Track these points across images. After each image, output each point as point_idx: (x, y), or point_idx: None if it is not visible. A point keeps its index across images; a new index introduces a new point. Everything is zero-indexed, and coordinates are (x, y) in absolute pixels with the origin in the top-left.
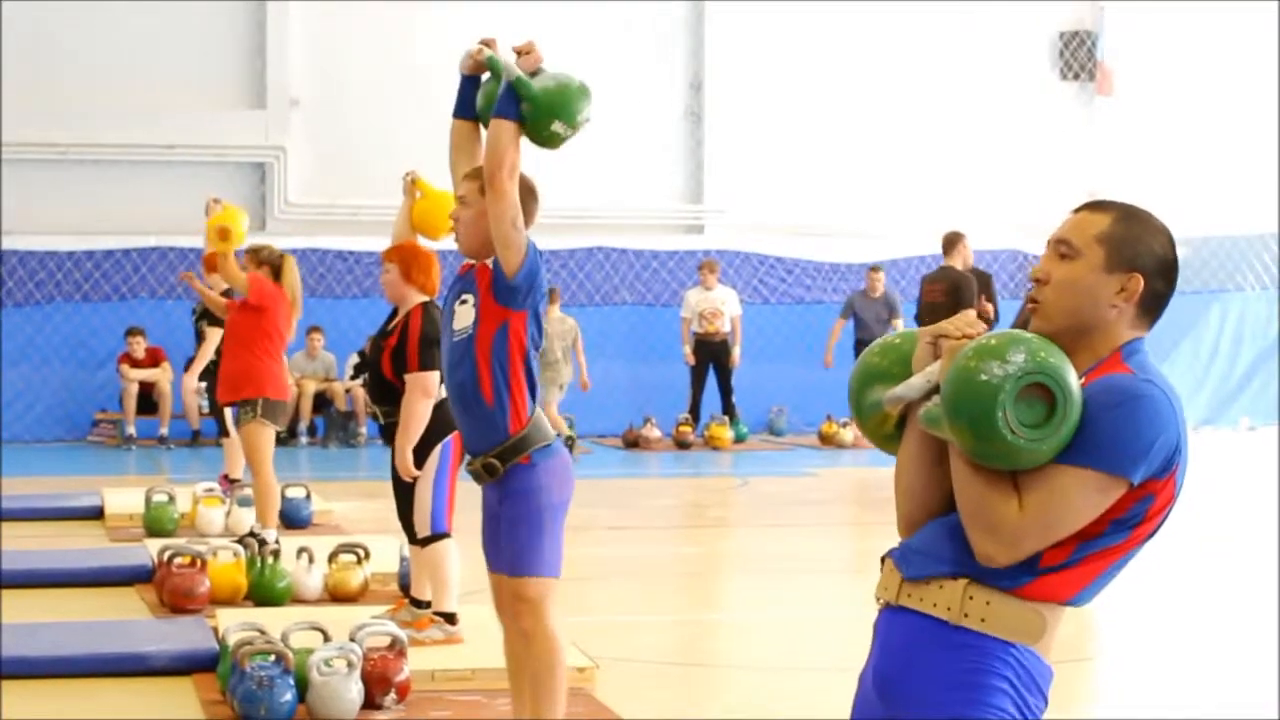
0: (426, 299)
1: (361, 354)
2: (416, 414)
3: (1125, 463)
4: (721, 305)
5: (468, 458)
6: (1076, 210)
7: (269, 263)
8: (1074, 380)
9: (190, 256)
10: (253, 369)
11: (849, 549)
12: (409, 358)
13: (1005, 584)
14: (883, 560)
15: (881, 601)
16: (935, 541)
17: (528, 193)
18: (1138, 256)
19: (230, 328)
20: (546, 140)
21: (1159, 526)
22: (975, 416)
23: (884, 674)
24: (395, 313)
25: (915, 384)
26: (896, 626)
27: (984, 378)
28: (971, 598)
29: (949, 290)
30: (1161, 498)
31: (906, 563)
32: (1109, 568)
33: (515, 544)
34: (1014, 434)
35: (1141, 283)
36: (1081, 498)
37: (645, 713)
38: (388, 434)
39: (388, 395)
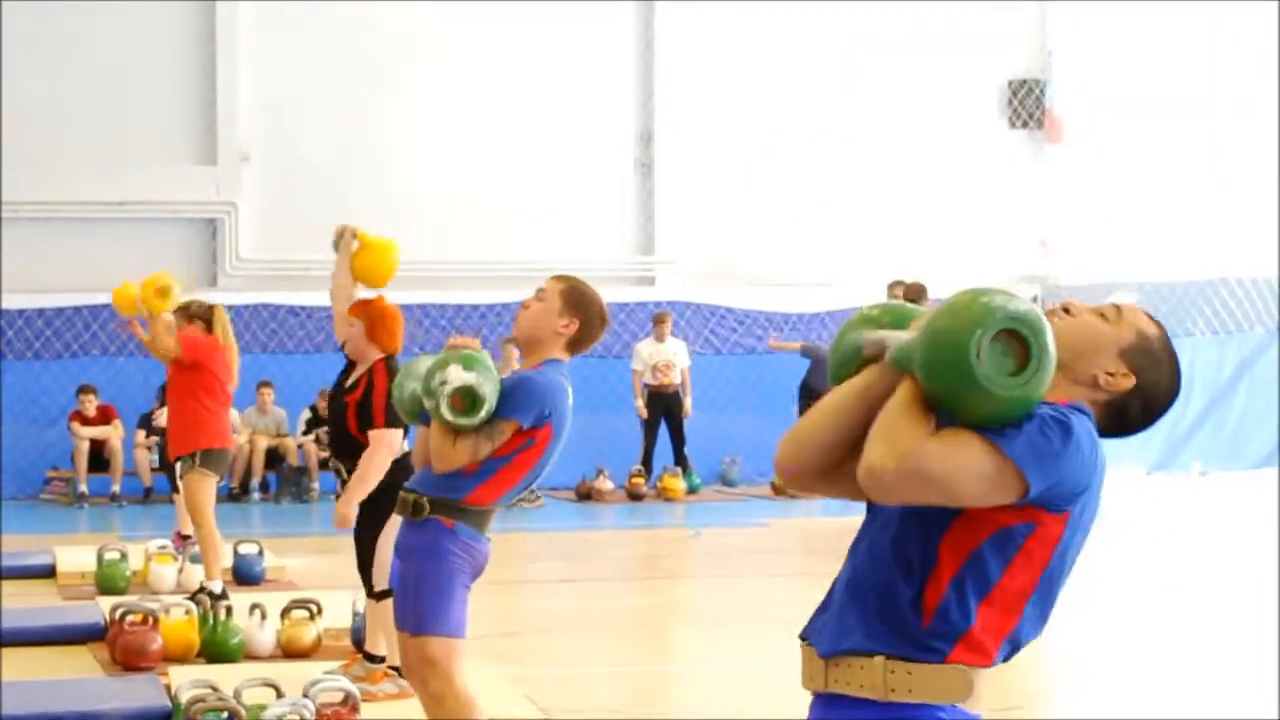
0: (387, 355)
1: (314, 409)
2: (375, 467)
3: (1032, 466)
4: (673, 357)
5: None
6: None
7: (200, 317)
8: (1050, 341)
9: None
10: (192, 422)
11: (802, 599)
12: (375, 414)
13: (923, 657)
14: (801, 651)
15: (810, 689)
16: (842, 613)
17: (599, 317)
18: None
19: (170, 384)
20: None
21: (1054, 576)
22: (948, 345)
23: None
24: (351, 366)
25: (899, 335)
26: (829, 712)
27: (965, 314)
28: (892, 672)
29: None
30: (1044, 532)
31: (819, 638)
32: (1015, 627)
33: (421, 602)
34: (980, 363)
35: (1119, 385)
36: (979, 466)
37: None
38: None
39: (352, 450)
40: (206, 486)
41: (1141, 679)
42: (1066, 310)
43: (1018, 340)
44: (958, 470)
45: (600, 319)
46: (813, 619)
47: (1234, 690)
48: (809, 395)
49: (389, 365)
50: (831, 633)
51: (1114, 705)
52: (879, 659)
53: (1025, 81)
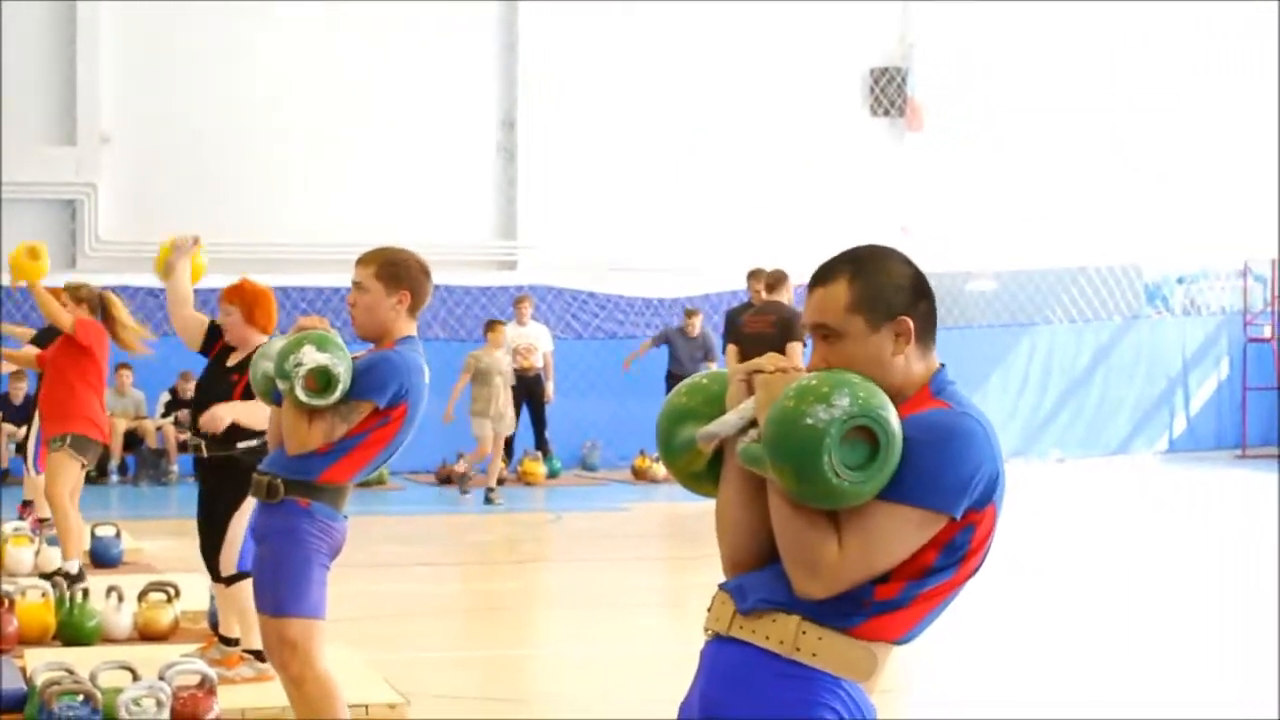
0: (267, 338)
1: (173, 391)
2: (257, 411)
3: (946, 499)
4: (535, 340)
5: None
6: (810, 287)
7: (88, 301)
8: (896, 422)
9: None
10: (69, 406)
11: (662, 584)
12: None
13: (838, 623)
14: (716, 592)
15: (710, 633)
16: (771, 580)
17: (422, 273)
18: (891, 302)
19: (49, 365)
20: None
21: (983, 560)
22: (799, 460)
23: (712, 698)
24: (226, 350)
25: (730, 420)
26: (725, 655)
27: (809, 421)
28: (804, 633)
29: (778, 323)
30: (982, 528)
31: (741, 596)
32: (937, 606)
33: (279, 583)
34: (839, 477)
35: (910, 322)
36: (900, 534)
37: None
38: (206, 469)
39: (231, 432)
40: (70, 469)
41: (995, 668)
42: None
43: (860, 430)
44: (881, 553)
45: (423, 272)
46: (737, 580)
47: (1101, 679)
48: (675, 380)
49: None
50: (757, 590)
51: (963, 694)
52: (795, 616)
53: (887, 70)
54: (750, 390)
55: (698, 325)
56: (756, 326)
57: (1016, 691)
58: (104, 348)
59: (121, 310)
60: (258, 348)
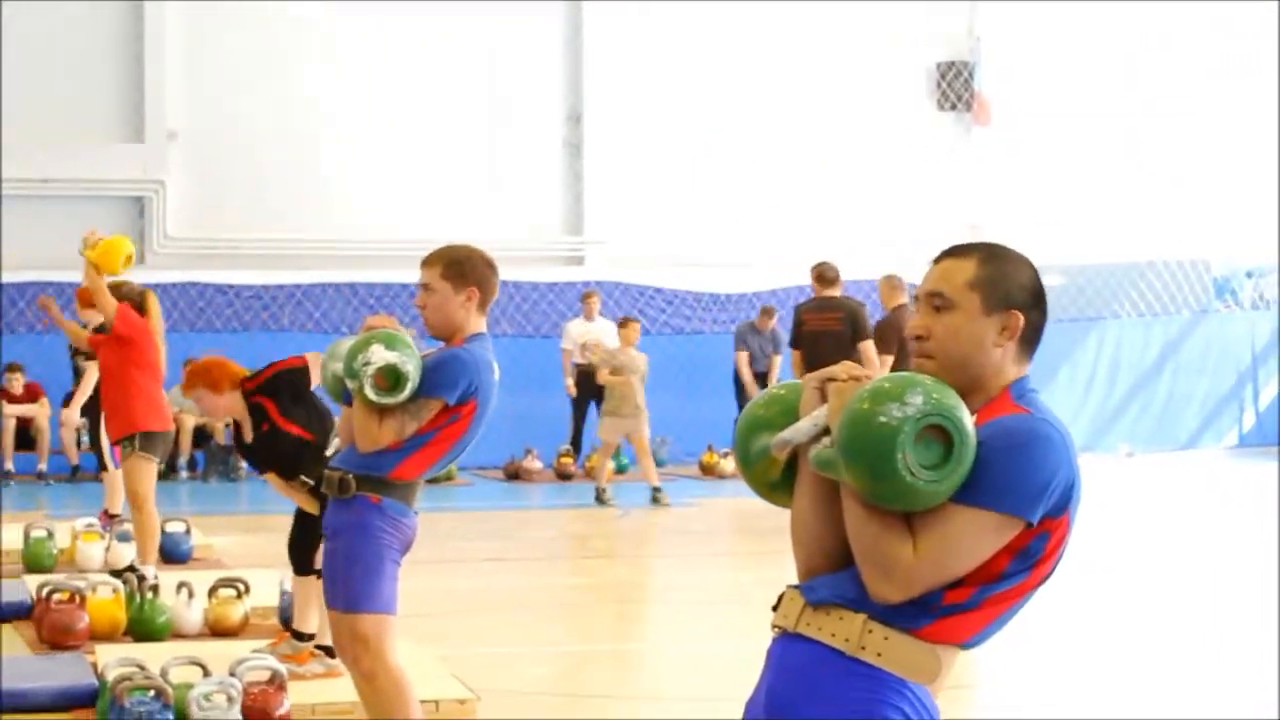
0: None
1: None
2: None
3: (1023, 504)
4: (603, 336)
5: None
6: (938, 259)
7: (129, 298)
8: (969, 421)
9: (68, 291)
10: (128, 403)
11: (729, 579)
12: None
13: (905, 624)
14: (786, 590)
15: (778, 630)
16: (843, 579)
17: (487, 267)
18: (1011, 294)
19: (102, 364)
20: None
21: (1055, 567)
22: (873, 459)
23: (778, 695)
24: None
25: (803, 428)
26: (793, 652)
27: (882, 420)
28: (870, 632)
29: (847, 319)
30: (1056, 535)
31: (812, 591)
32: (1006, 611)
33: (351, 579)
34: (913, 475)
35: (1021, 319)
36: (977, 538)
37: None
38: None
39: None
40: (146, 470)
41: (1061, 667)
42: (919, 337)
43: (933, 429)
44: (957, 558)
45: (488, 266)
46: (810, 580)
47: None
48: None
49: None
50: (830, 586)
51: (1029, 694)
52: (862, 615)
53: (954, 64)
54: (824, 398)
55: (771, 323)
56: (822, 324)
57: (1082, 691)
58: (147, 338)
59: (156, 311)
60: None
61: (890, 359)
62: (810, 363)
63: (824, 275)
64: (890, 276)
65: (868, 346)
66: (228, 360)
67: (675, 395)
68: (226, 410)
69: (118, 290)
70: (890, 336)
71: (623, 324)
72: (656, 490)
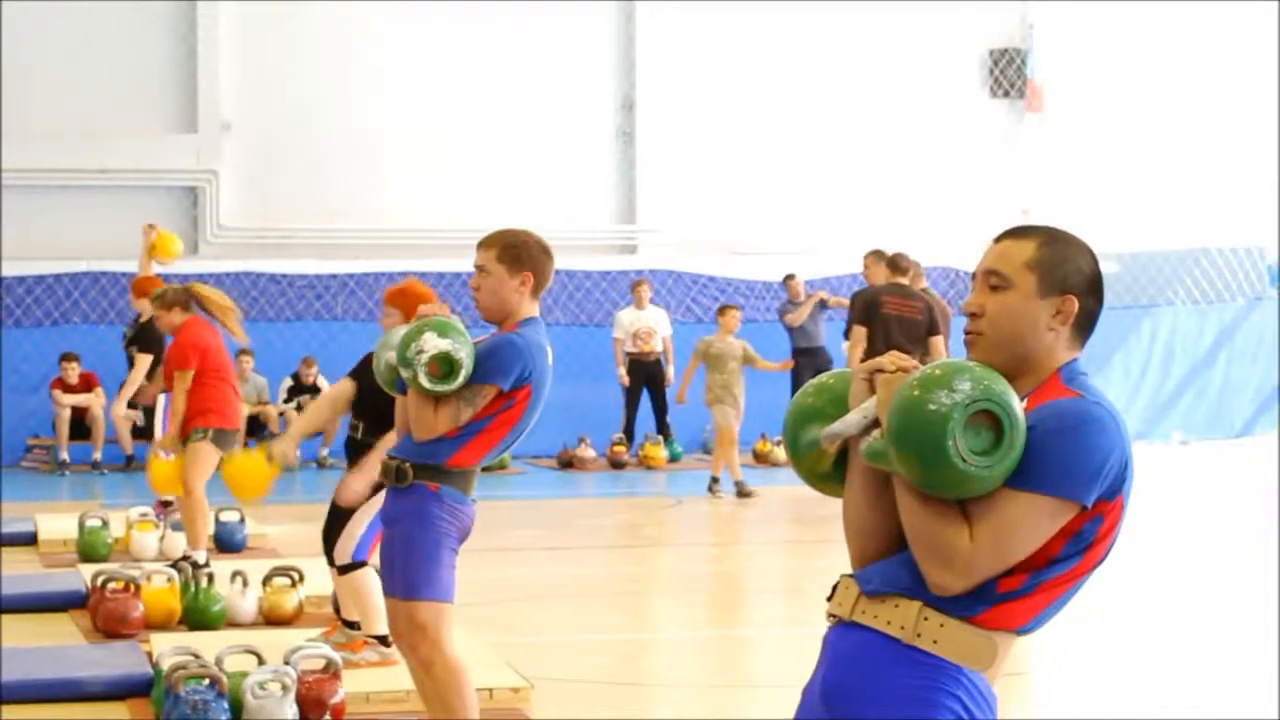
0: None
1: (295, 377)
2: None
3: (1078, 487)
4: (654, 324)
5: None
6: (998, 239)
7: (177, 303)
8: (1019, 406)
9: (123, 281)
10: (202, 400)
11: (783, 567)
12: None
13: (960, 611)
14: (840, 578)
15: (833, 618)
16: (897, 566)
17: (543, 253)
18: (1068, 278)
19: (167, 370)
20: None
21: (1109, 550)
22: (924, 446)
23: (833, 684)
24: None
25: (852, 420)
26: (849, 640)
27: (932, 407)
28: (926, 619)
29: (925, 310)
30: (1110, 518)
31: (867, 580)
32: (1061, 596)
33: (409, 567)
34: (964, 462)
35: (1076, 304)
36: (1033, 523)
37: None
38: (355, 449)
39: (378, 419)
40: (209, 458)
41: (1123, 649)
42: (973, 314)
43: (983, 415)
44: (1014, 543)
45: (544, 253)
46: (867, 567)
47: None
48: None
49: None
50: (884, 575)
51: (1100, 675)
52: (918, 603)
53: (1006, 51)
54: (872, 389)
55: (800, 288)
56: (901, 309)
57: (1133, 681)
58: (209, 343)
59: (212, 294)
60: None
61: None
62: (882, 344)
63: (897, 264)
64: (913, 261)
65: (938, 341)
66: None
67: None
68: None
69: (162, 299)
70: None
71: (722, 312)
72: (715, 480)
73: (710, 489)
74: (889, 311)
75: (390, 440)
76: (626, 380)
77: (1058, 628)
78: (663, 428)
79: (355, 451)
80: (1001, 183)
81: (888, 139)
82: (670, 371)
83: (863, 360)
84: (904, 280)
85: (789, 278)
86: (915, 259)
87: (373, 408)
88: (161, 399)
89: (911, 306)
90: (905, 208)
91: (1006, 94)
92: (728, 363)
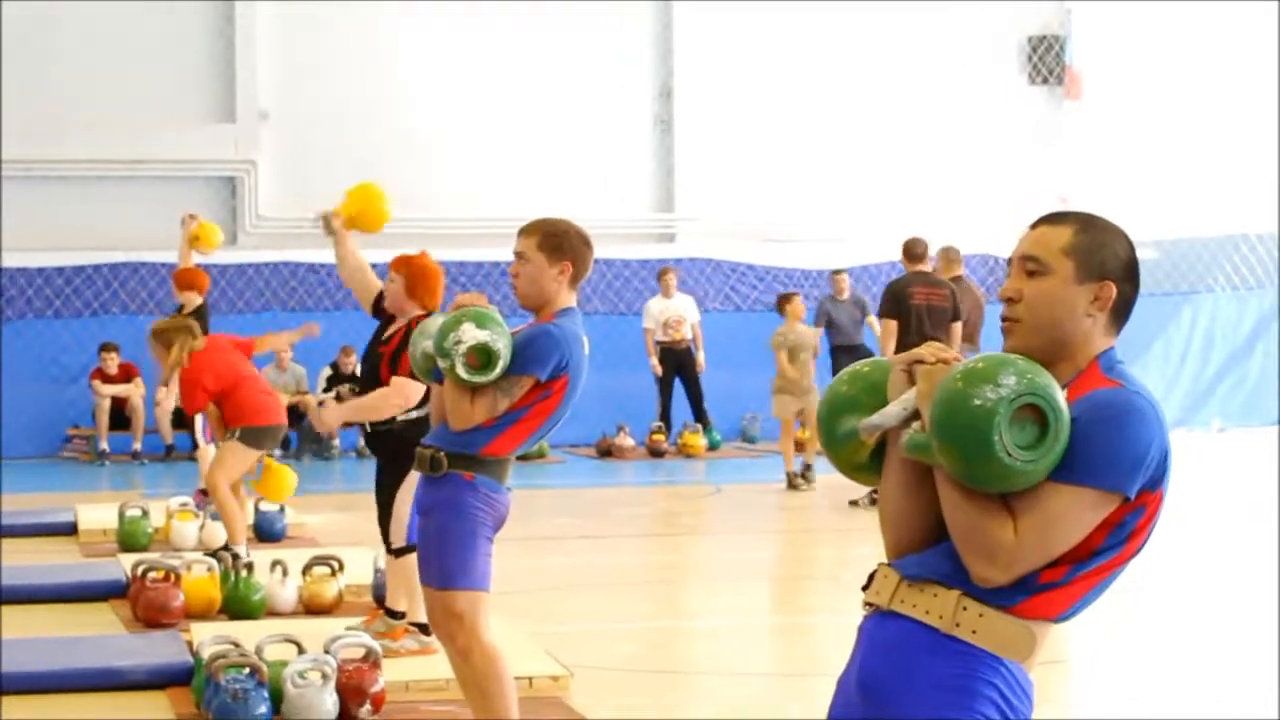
0: (427, 312)
1: (334, 366)
2: (382, 401)
3: (1122, 478)
4: (683, 312)
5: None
6: (1034, 225)
7: (179, 338)
8: (1063, 399)
9: (161, 272)
10: (231, 403)
11: (821, 555)
12: (403, 363)
13: (998, 601)
14: (878, 567)
15: (870, 608)
16: (936, 556)
17: (583, 244)
18: (1106, 264)
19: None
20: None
21: (1147, 540)
22: (969, 441)
23: (870, 673)
24: (389, 320)
25: (892, 412)
26: (886, 629)
27: (977, 401)
28: (964, 609)
29: (951, 296)
30: (1150, 509)
31: (904, 569)
32: (1099, 584)
33: (444, 556)
34: (1010, 457)
35: (1114, 289)
36: (1077, 515)
37: None
38: (373, 442)
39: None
40: (238, 458)
41: (1162, 637)
42: (1009, 300)
43: (1028, 409)
44: (1059, 536)
45: (584, 243)
46: (904, 557)
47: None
48: (840, 353)
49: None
50: (923, 563)
51: (1138, 663)
52: (956, 592)
53: (1045, 38)
54: (911, 380)
55: (846, 285)
56: (930, 299)
57: (1172, 667)
58: (207, 370)
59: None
60: (413, 320)
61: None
62: (916, 335)
63: (912, 251)
64: (950, 248)
65: (957, 328)
66: (440, 284)
67: (767, 371)
68: (396, 309)
69: (162, 336)
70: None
71: (787, 300)
72: (806, 469)
73: (803, 476)
74: (918, 302)
75: (380, 395)
76: (659, 369)
77: (1096, 615)
78: (699, 415)
79: (371, 443)
80: (1040, 170)
81: (926, 126)
82: (701, 358)
83: (895, 352)
84: (925, 267)
85: (837, 273)
86: (954, 246)
87: (369, 390)
88: (199, 417)
89: (939, 294)
90: (943, 195)
91: (1045, 81)
92: (799, 353)
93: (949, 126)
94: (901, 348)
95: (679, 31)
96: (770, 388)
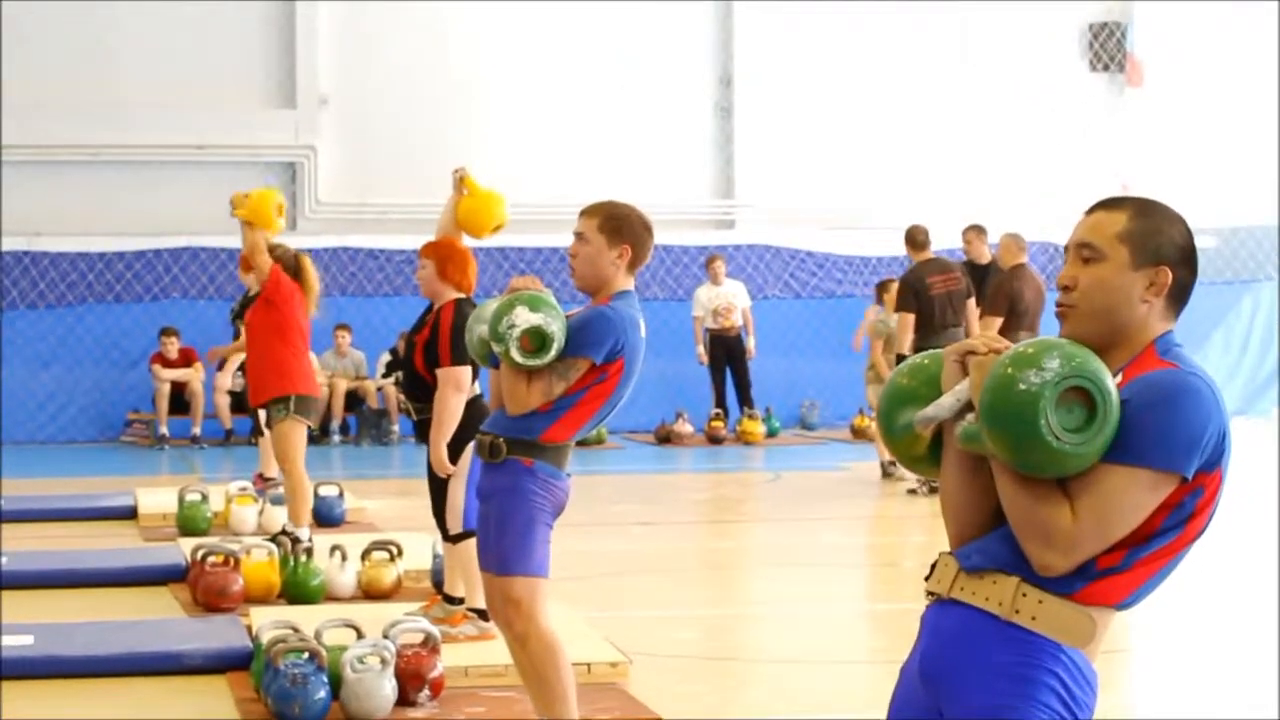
0: (461, 296)
1: (393, 351)
2: (449, 408)
3: (1178, 458)
4: (733, 299)
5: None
6: (1090, 211)
7: (282, 261)
8: (1111, 381)
9: (222, 256)
10: (279, 366)
11: (880, 543)
12: (440, 352)
13: (1059, 588)
14: (940, 555)
15: (932, 596)
16: (995, 542)
17: (644, 229)
18: (1161, 249)
19: (250, 329)
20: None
21: (1208, 523)
22: (1016, 427)
23: (933, 661)
24: (430, 308)
25: (945, 403)
26: (948, 617)
27: (1022, 386)
28: (1024, 595)
29: (963, 277)
30: (1210, 490)
31: (966, 557)
32: (1160, 570)
33: (503, 542)
34: (1058, 440)
35: (1170, 275)
36: (1135, 497)
37: (678, 707)
38: (421, 431)
39: (420, 391)
40: (298, 433)
41: (1221, 629)
42: (1065, 288)
43: (1075, 392)
44: (1117, 518)
45: (645, 228)
46: (966, 545)
47: None
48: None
49: (459, 306)
50: (983, 551)
51: (1200, 653)
52: (1015, 578)
53: (1106, 24)
54: (965, 371)
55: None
56: (948, 285)
57: (1234, 658)
58: (296, 303)
59: (311, 274)
60: (442, 307)
61: (998, 320)
62: (939, 323)
63: (915, 239)
64: (1014, 235)
65: (972, 303)
66: (470, 266)
67: (826, 358)
68: (431, 294)
69: (271, 253)
70: (1000, 298)
71: (885, 288)
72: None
73: (895, 464)
74: (938, 292)
75: (440, 404)
76: (705, 358)
77: (1160, 603)
78: (746, 402)
79: (420, 431)
80: (1101, 157)
81: (987, 113)
82: (751, 344)
83: (913, 344)
84: (929, 254)
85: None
86: (1018, 233)
87: (408, 381)
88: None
89: (954, 279)
90: (1004, 182)
91: (1106, 68)
92: (893, 342)
93: (1010, 114)
94: (924, 338)
95: (739, 19)
96: (864, 377)
